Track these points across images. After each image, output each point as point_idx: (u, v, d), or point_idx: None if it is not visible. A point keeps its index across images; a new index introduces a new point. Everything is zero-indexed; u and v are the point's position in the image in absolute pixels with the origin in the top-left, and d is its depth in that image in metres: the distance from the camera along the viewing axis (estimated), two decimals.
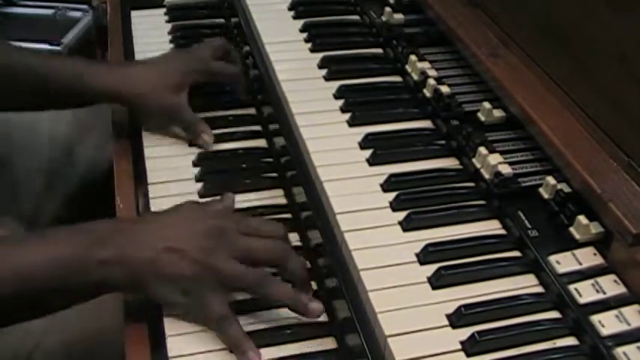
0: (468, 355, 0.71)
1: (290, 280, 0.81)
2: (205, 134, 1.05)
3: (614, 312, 0.72)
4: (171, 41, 1.30)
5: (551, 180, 0.84)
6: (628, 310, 0.72)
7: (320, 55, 1.14)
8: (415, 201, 0.87)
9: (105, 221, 0.82)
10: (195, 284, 0.77)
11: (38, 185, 1.25)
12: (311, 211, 0.92)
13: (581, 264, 0.77)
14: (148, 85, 1.05)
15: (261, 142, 1.08)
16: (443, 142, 0.97)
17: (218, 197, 0.92)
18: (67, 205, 1.27)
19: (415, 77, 1.06)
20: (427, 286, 0.77)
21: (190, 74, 1.07)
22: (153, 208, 0.95)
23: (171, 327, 0.79)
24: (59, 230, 0.83)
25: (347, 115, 1.02)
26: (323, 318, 0.81)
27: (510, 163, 0.89)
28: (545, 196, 0.85)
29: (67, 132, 1.29)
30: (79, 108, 1.22)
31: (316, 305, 0.79)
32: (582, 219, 0.79)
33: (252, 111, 1.14)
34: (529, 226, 0.82)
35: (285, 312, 0.80)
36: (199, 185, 0.98)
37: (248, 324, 0.79)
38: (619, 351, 0.69)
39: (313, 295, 0.82)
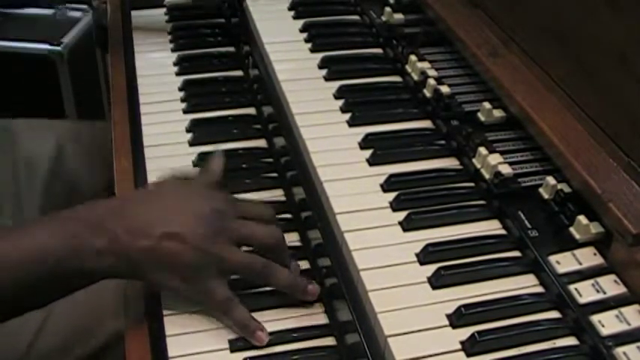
0: (468, 355, 0.71)
1: (283, 264, 0.81)
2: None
3: (614, 312, 0.72)
4: (171, 41, 1.29)
5: (551, 180, 0.84)
6: (628, 310, 0.72)
7: (320, 55, 1.14)
8: (415, 201, 0.87)
9: (98, 204, 0.79)
10: (196, 271, 0.77)
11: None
12: (311, 211, 0.92)
13: (581, 264, 0.77)
14: None
15: (261, 142, 1.08)
16: (443, 142, 0.97)
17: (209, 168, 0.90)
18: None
19: (415, 77, 1.06)
20: (427, 286, 0.77)
21: None
22: None
23: (172, 327, 0.79)
24: (53, 217, 0.80)
25: (347, 115, 1.02)
26: (323, 318, 0.81)
27: (510, 163, 0.89)
28: (545, 196, 0.85)
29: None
30: None
31: (313, 287, 0.80)
32: (582, 219, 0.79)
33: (252, 111, 1.14)
34: (529, 226, 0.82)
35: (285, 312, 0.81)
36: None
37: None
38: (619, 351, 0.69)
39: None
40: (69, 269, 0.75)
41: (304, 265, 0.86)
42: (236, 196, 0.90)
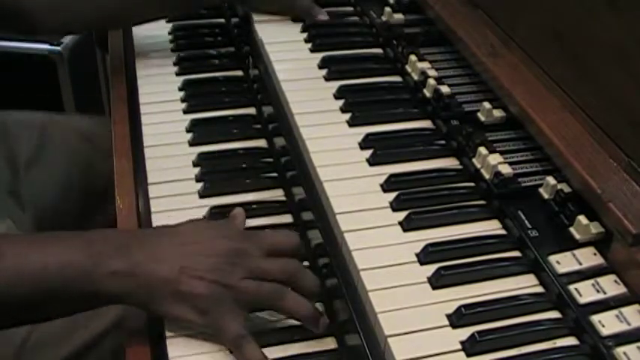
0: (468, 355, 0.71)
1: (302, 294, 0.80)
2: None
3: (614, 312, 0.72)
4: (171, 41, 1.29)
5: (551, 180, 0.84)
6: (628, 310, 0.72)
7: (320, 55, 1.14)
8: (415, 201, 0.87)
9: (118, 230, 0.81)
10: (213, 304, 0.77)
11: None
12: (311, 211, 0.92)
13: (581, 264, 0.77)
14: None
15: (261, 142, 1.08)
16: (443, 142, 0.97)
17: (231, 216, 0.90)
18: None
19: (415, 77, 1.06)
20: (427, 286, 0.77)
21: None
22: (153, 209, 0.94)
23: (172, 327, 0.79)
24: (73, 234, 0.80)
25: (347, 115, 1.02)
26: (323, 318, 0.81)
27: (510, 163, 0.89)
28: (545, 196, 0.85)
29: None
30: None
31: (325, 320, 0.79)
32: (582, 219, 0.79)
33: (252, 111, 1.14)
34: (529, 226, 0.82)
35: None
36: (199, 185, 0.98)
37: (247, 324, 0.79)
38: (619, 351, 0.69)
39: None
40: (83, 286, 0.75)
41: (304, 265, 0.86)
42: (262, 233, 0.88)
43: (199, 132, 1.07)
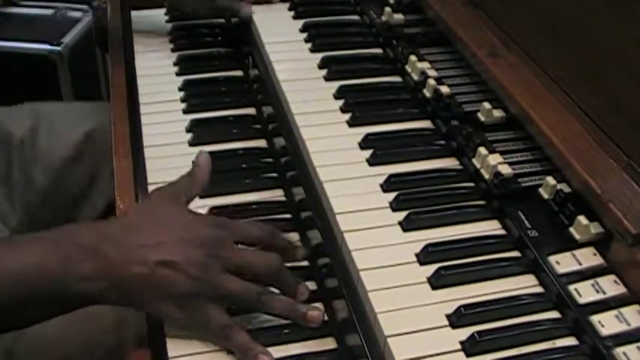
0: (468, 355, 0.71)
1: (283, 290, 0.79)
2: None
3: (614, 312, 0.72)
4: (171, 41, 1.30)
5: (551, 180, 0.84)
6: (628, 310, 0.72)
7: (320, 55, 1.14)
8: (415, 201, 0.87)
9: (92, 226, 0.78)
10: (193, 298, 0.75)
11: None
12: (311, 211, 0.92)
13: (581, 264, 0.77)
14: None
15: (261, 142, 1.08)
16: (443, 142, 0.97)
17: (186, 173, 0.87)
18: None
19: (415, 77, 1.06)
20: (427, 286, 0.77)
21: None
22: None
23: (174, 348, 0.78)
24: (40, 237, 0.77)
25: (347, 116, 1.02)
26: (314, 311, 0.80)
27: (510, 164, 0.89)
28: (545, 196, 0.85)
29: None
30: None
31: (315, 312, 0.78)
32: (582, 219, 0.79)
33: (252, 111, 1.14)
34: (529, 226, 0.82)
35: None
36: None
37: (246, 325, 0.79)
38: (619, 351, 0.69)
39: (311, 296, 0.81)
40: (55, 291, 0.73)
41: (304, 265, 0.86)
42: (238, 222, 0.85)
43: (199, 132, 1.07)
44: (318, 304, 0.81)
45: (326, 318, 0.80)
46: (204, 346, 0.78)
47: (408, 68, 1.09)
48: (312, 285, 0.84)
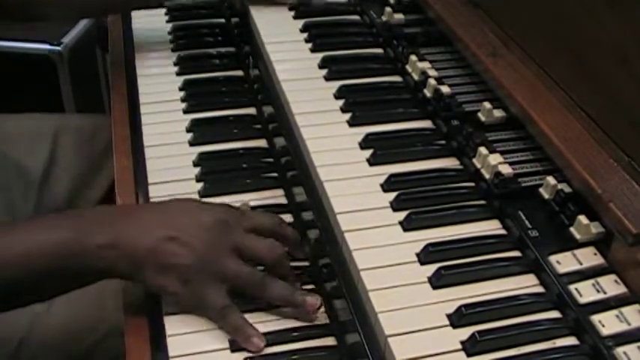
0: (468, 355, 0.71)
1: (280, 277, 0.81)
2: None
3: (615, 312, 0.72)
4: (171, 41, 1.30)
5: (551, 180, 0.84)
6: (628, 310, 0.73)
7: (320, 55, 1.14)
8: (415, 201, 0.87)
9: (104, 206, 0.83)
10: (195, 274, 0.77)
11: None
12: (311, 211, 0.92)
13: (581, 264, 0.77)
14: None
15: (261, 142, 1.08)
16: (443, 142, 0.97)
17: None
18: None
19: (415, 77, 1.07)
20: (427, 286, 0.77)
21: None
22: None
23: (172, 327, 0.79)
24: (58, 215, 0.83)
25: (347, 115, 1.02)
26: (323, 318, 0.81)
27: (510, 163, 0.89)
28: (546, 196, 0.85)
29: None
30: None
31: (312, 299, 0.79)
32: (582, 219, 0.79)
33: (252, 111, 1.14)
34: (529, 226, 0.82)
35: (284, 312, 0.80)
36: (199, 185, 0.98)
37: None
38: (619, 351, 0.69)
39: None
40: (72, 264, 0.76)
41: (305, 265, 0.86)
42: (249, 211, 0.90)
43: (199, 132, 1.07)
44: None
45: (326, 318, 0.81)
46: (201, 325, 0.78)
47: (408, 68, 1.09)
48: (311, 285, 0.84)
